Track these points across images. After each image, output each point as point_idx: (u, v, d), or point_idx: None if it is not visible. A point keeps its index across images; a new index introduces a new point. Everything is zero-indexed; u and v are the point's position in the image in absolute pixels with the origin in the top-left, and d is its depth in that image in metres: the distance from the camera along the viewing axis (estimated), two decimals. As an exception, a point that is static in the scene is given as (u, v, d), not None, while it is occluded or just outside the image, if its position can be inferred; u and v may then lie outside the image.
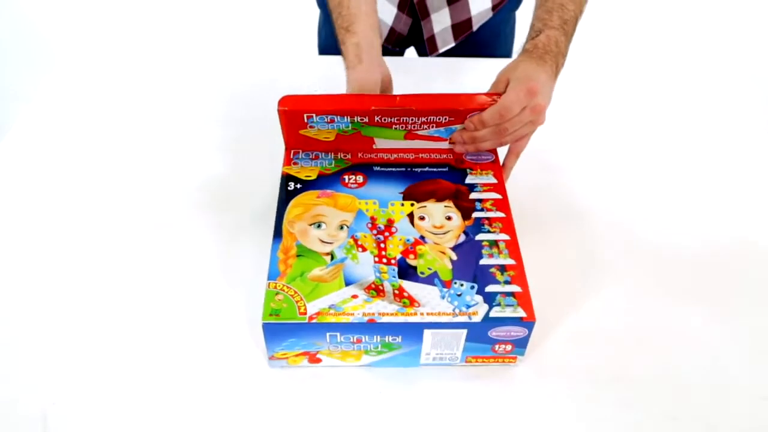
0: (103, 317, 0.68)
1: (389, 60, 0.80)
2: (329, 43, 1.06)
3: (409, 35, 1.11)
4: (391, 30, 1.08)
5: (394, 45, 1.11)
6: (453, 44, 1.09)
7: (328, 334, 0.60)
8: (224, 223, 0.78)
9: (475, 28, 1.07)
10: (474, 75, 0.77)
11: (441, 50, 1.10)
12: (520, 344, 0.62)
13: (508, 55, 1.17)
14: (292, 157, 0.75)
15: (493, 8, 1.05)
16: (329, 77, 0.84)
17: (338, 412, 0.61)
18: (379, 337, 0.61)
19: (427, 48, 1.10)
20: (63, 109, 0.99)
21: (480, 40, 1.10)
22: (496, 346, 0.62)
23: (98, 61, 1.10)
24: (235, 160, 0.88)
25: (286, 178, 0.73)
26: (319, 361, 0.64)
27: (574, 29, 0.76)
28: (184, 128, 0.95)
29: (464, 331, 0.60)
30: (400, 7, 1.05)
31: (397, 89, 0.78)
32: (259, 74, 1.06)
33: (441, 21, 1.06)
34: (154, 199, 0.82)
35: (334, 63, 0.81)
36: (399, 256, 0.65)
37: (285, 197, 0.71)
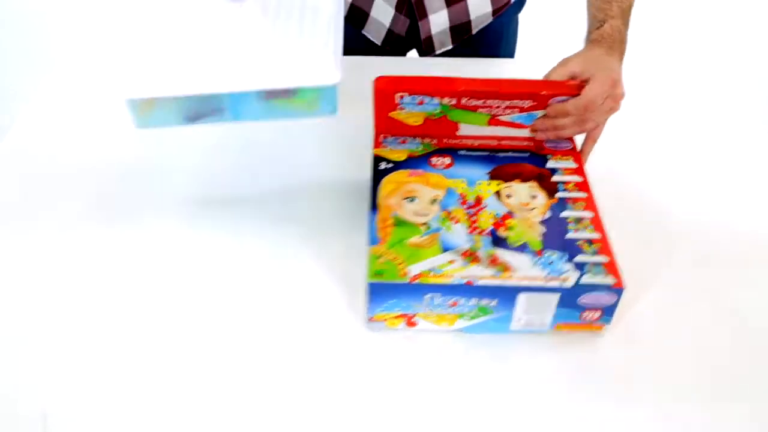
0: (105, 318, 0.68)
1: (390, 59, 0.80)
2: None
3: (407, 37, 1.10)
4: (389, 32, 1.08)
5: (393, 46, 1.11)
6: (450, 46, 1.10)
7: (427, 295, 0.64)
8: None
9: (474, 31, 1.07)
10: (474, 75, 0.79)
11: (438, 51, 1.10)
12: (608, 312, 0.65)
13: (510, 56, 1.18)
14: (381, 140, 0.80)
15: (494, 13, 1.06)
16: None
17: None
18: (475, 299, 0.64)
19: (424, 49, 1.11)
20: (63, 109, 0.99)
21: (481, 42, 1.10)
22: (585, 313, 0.65)
23: (98, 61, 1.09)
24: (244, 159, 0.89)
25: (377, 159, 0.77)
26: (415, 324, 0.67)
27: (630, 17, 0.80)
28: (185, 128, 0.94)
29: (556, 296, 0.64)
30: (398, 8, 1.05)
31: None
32: None
33: (439, 23, 1.06)
34: (154, 199, 0.83)
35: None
36: (490, 228, 0.69)
37: (377, 175, 0.75)
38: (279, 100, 0.66)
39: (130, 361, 0.64)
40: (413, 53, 1.19)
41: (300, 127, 0.86)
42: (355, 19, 1.07)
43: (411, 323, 0.67)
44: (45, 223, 0.79)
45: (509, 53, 1.19)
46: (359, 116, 0.80)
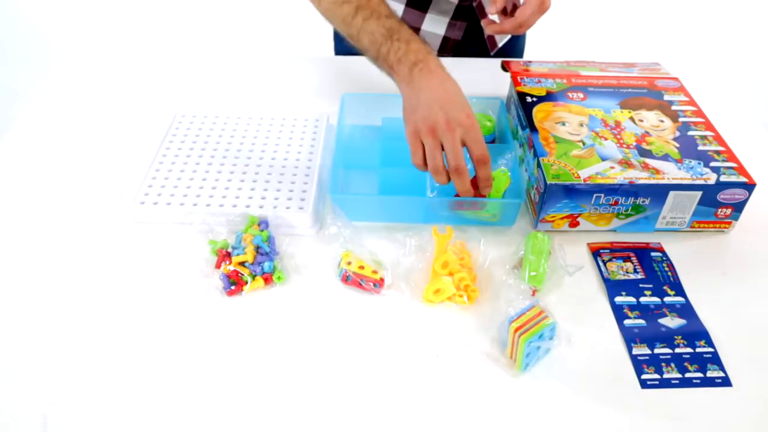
0: (106, 318, 0.69)
1: None
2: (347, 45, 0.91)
3: (463, 39, 1.14)
4: (445, 38, 1.13)
5: (449, 52, 1.15)
6: (508, 37, 1.17)
7: (595, 195, 0.77)
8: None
9: None
10: (474, 74, 0.87)
11: (500, 45, 1.17)
12: (739, 208, 0.79)
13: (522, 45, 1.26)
14: (519, 80, 0.93)
15: None
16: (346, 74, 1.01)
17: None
18: (633, 198, 0.77)
19: (488, 45, 1.16)
20: (63, 109, 1.00)
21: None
22: (719, 211, 0.79)
23: (98, 61, 1.13)
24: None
25: (521, 95, 0.90)
26: (577, 224, 0.80)
27: None
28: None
29: (699, 193, 0.77)
30: (455, 16, 1.10)
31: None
32: (272, 74, 1.11)
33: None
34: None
35: (351, 62, 0.91)
36: (634, 143, 0.82)
37: (527, 106, 0.88)
38: (468, 211, 0.80)
39: (130, 362, 0.64)
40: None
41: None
42: None
43: (575, 223, 0.80)
44: (45, 223, 0.80)
45: (522, 42, 1.26)
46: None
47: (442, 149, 0.71)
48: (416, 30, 1.11)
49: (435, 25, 1.11)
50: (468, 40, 1.15)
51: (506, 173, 0.79)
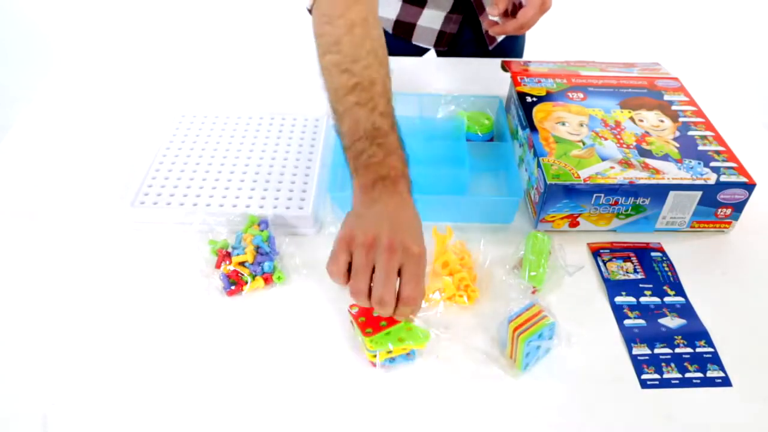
0: (106, 318, 0.69)
1: (391, 59, 0.73)
2: None
3: (459, 32, 1.14)
4: (440, 33, 1.13)
5: (444, 45, 1.15)
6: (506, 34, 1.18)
7: (594, 195, 0.77)
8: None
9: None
10: (473, 73, 0.89)
11: (498, 40, 1.17)
12: (739, 208, 0.79)
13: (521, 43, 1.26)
14: (519, 80, 0.93)
15: None
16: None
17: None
18: (633, 199, 0.77)
19: (486, 41, 1.16)
20: (62, 109, 1.01)
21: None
22: (719, 211, 0.79)
23: (98, 62, 1.13)
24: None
25: (521, 94, 0.90)
26: (577, 224, 0.80)
27: None
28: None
29: (699, 193, 0.77)
30: (452, 10, 1.10)
31: (401, 88, 0.75)
32: (273, 74, 1.11)
33: (495, 14, 1.10)
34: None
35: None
36: (634, 143, 0.82)
37: (527, 106, 0.88)
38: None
39: (130, 362, 0.64)
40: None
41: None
42: (403, 32, 1.13)
43: (575, 223, 0.80)
44: (45, 224, 0.80)
45: (522, 42, 1.27)
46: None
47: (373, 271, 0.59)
48: (412, 26, 1.11)
49: (432, 20, 1.11)
50: (463, 32, 1.15)
51: (426, 337, 0.64)
